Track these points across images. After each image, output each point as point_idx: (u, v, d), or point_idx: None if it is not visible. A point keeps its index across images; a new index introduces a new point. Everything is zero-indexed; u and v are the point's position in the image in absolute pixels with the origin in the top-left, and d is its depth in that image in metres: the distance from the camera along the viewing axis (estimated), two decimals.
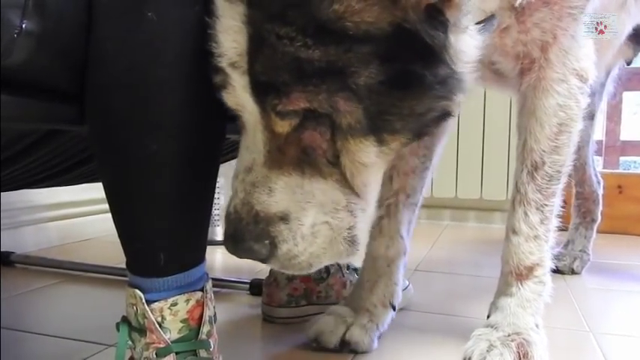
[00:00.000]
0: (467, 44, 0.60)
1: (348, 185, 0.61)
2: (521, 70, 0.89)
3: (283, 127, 0.58)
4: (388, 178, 1.01)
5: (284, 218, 0.60)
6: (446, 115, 0.62)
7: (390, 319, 1.01)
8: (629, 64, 1.48)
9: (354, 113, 0.56)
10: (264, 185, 0.60)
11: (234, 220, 0.60)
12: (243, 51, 0.56)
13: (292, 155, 0.60)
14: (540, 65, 0.87)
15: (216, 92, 0.60)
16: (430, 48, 0.56)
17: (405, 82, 0.56)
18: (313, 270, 0.65)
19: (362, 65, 0.54)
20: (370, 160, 0.60)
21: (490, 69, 0.93)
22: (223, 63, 0.58)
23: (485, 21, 0.67)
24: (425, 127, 0.62)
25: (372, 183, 0.63)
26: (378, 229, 1.01)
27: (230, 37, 0.56)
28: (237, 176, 0.62)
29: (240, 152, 0.62)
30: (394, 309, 1.02)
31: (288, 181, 0.60)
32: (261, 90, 0.56)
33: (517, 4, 0.78)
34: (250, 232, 0.60)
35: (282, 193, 0.60)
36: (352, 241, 0.64)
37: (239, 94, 0.58)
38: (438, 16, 0.56)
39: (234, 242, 0.61)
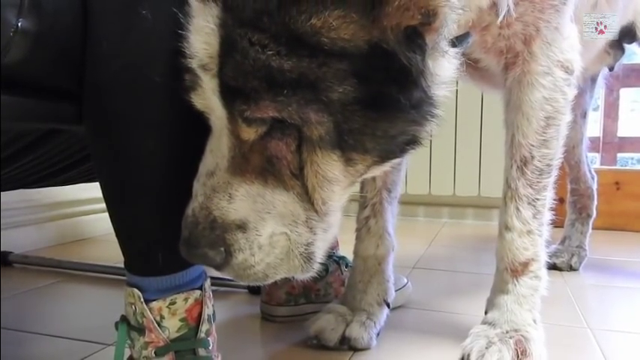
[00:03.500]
0: (443, 68, 0.60)
1: (308, 200, 0.60)
2: (506, 65, 0.89)
3: (250, 133, 0.57)
4: (371, 178, 1.00)
5: (242, 227, 0.59)
6: (415, 141, 0.61)
7: (386, 317, 1.02)
8: (611, 69, 1.48)
9: (324, 125, 0.55)
10: (225, 191, 0.58)
11: (191, 224, 0.59)
12: (214, 53, 0.55)
13: (256, 163, 0.58)
14: (524, 59, 0.86)
15: (185, 93, 0.59)
16: (406, 71, 0.55)
17: (380, 103, 0.56)
18: (268, 282, 0.64)
19: (336, 81, 0.53)
20: (334, 176, 0.59)
21: (475, 66, 0.93)
22: (194, 64, 0.57)
23: (461, 37, 0.66)
24: (393, 150, 0.61)
25: (332, 202, 0.61)
26: (366, 230, 1.02)
27: (202, 38, 0.55)
28: (199, 179, 0.60)
29: (205, 155, 0.61)
30: (388, 306, 1.02)
31: (249, 189, 0.59)
32: (230, 94, 0.55)
33: (501, 16, 0.77)
34: (205, 238, 0.58)
35: (242, 201, 0.58)
36: (308, 258, 0.63)
37: (208, 97, 0.57)
38: (416, 39, 0.55)
39: (189, 247, 0.59)
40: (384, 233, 1.02)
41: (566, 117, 0.90)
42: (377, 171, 0.64)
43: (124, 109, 0.60)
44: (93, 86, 0.61)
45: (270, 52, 0.52)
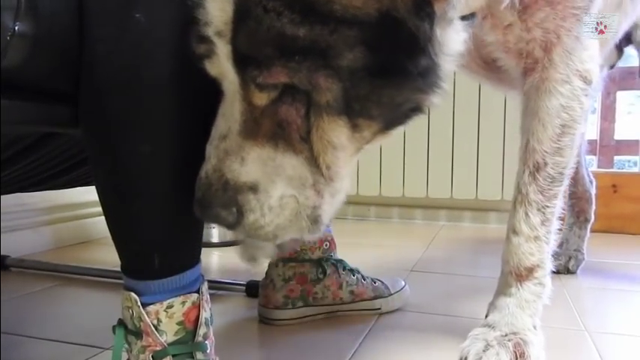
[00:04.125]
0: (451, 38, 0.61)
1: (315, 164, 0.62)
2: (525, 70, 0.89)
3: (261, 99, 0.58)
4: None
5: (253, 188, 0.60)
6: (418, 109, 0.63)
7: None
8: (612, 67, 1.49)
9: (333, 91, 0.56)
10: (237, 154, 0.60)
11: (204, 185, 0.60)
12: (229, 20, 0.56)
13: (267, 128, 0.60)
14: (544, 66, 0.87)
15: (199, 64, 0.60)
16: (415, 38, 0.56)
17: (387, 71, 0.57)
18: (277, 241, 0.65)
19: (346, 48, 0.55)
20: (339, 142, 0.60)
21: (494, 66, 0.93)
22: (210, 32, 0.57)
23: (468, 17, 0.67)
24: (398, 118, 0.63)
25: (337, 168, 0.63)
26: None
27: (217, 5, 0.56)
28: (212, 142, 0.62)
29: (217, 120, 0.62)
30: None
31: (260, 153, 0.60)
32: (243, 61, 0.56)
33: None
34: (218, 199, 0.60)
35: (253, 164, 0.60)
36: (315, 220, 0.64)
37: (222, 63, 0.58)
38: (425, 8, 0.56)
39: (202, 207, 0.61)
40: None
41: (582, 126, 0.91)
42: (381, 139, 0.65)
43: (118, 112, 0.60)
44: (88, 89, 0.61)
45: (285, 20, 0.53)
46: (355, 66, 0.55)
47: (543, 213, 0.90)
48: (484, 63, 0.95)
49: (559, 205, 0.92)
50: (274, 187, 0.61)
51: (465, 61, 0.94)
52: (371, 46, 0.55)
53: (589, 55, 0.88)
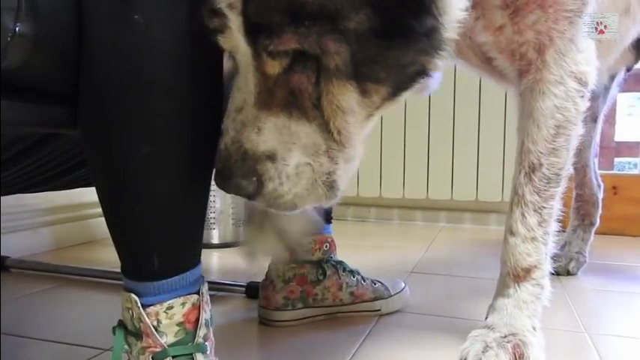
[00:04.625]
0: (451, 2, 0.62)
1: (327, 130, 0.63)
2: (519, 72, 0.90)
3: (274, 67, 0.59)
4: None
5: (271, 157, 0.62)
6: (424, 72, 0.64)
7: None
8: (629, 70, 1.48)
9: (341, 55, 0.58)
10: (254, 125, 0.62)
11: (224, 157, 0.62)
12: None
13: (281, 97, 0.61)
14: (537, 67, 0.87)
15: (212, 38, 0.61)
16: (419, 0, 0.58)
17: (393, 32, 0.58)
18: (297, 210, 0.67)
19: (353, 10, 0.56)
20: (348, 106, 0.61)
21: (491, 65, 0.94)
22: (222, 4, 0.58)
23: None
24: (404, 81, 0.64)
25: (348, 133, 0.64)
26: None
27: None
28: (229, 116, 0.63)
29: (233, 92, 0.64)
30: None
31: (276, 122, 0.62)
32: (254, 30, 0.58)
33: None
34: (238, 169, 0.62)
35: (270, 133, 0.62)
36: (331, 186, 0.66)
37: (235, 36, 0.60)
38: None
39: (223, 178, 0.63)
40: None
41: (577, 128, 0.90)
42: (390, 105, 0.66)
43: (117, 113, 0.60)
44: (86, 90, 0.61)
45: None
46: (362, 28, 0.57)
47: (540, 214, 0.90)
48: (483, 60, 0.95)
49: (556, 206, 0.92)
50: (291, 155, 0.63)
51: (466, 56, 0.95)
52: (376, 7, 0.56)
53: (584, 57, 0.88)
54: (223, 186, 0.63)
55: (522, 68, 0.89)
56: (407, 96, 0.67)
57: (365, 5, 0.56)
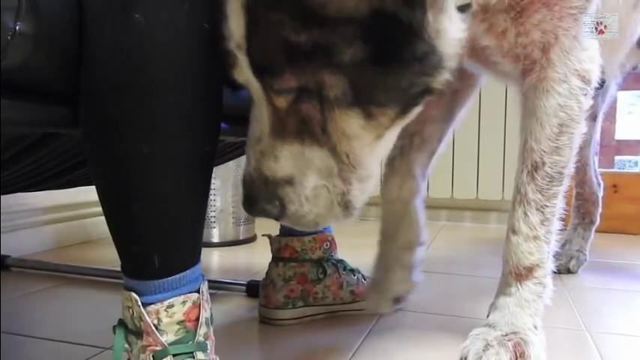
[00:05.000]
0: (445, 24, 0.63)
1: (337, 154, 0.67)
2: (523, 71, 0.89)
3: (282, 102, 0.63)
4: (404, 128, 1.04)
5: (289, 182, 0.67)
6: (428, 90, 0.66)
7: (420, 258, 1.06)
8: (634, 68, 1.48)
9: (339, 86, 0.61)
10: (271, 153, 0.66)
11: (248, 183, 0.68)
12: (244, 34, 0.61)
13: (292, 126, 0.65)
14: (542, 66, 0.86)
15: (226, 71, 0.64)
16: (409, 27, 0.60)
17: (386, 59, 0.61)
18: (321, 227, 0.74)
19: (345, 44, 0.59)
20: (352, 131, 0.64)
21: (494, 67, 0.94)
22: (231, 45, 0.62)
23: (465, 8, 0.69)
24: (409, 101, 0.66)
25: (356, 155, 0.67)
26: (389, 171, 1.04)
27: (235, 20, 0.61)
28: (250, 145, 0.68)
29: (251, 123, 0.69)
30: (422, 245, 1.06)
31: (290, 149, 0.66)
32: (259, 70, 0.62)
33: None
34: (262, 195, 0.67)
35: (286, 160, 0.66)
36: (346, 206, 0.70)
37: (245, 73, 0.64)
38: None
39: (249, 203, 0.69)
40: (407, 173, 1.03)
41: (581, 126, 0.90)
42: (403, 122, 0.69)
43: (118, 113, 0.60)
44: (87, 89, 0.61)
45: (288, 29, 0.58)
46: (356, 59, 0.59)
47: (542, 212, 0.90)
48: (486, 63, 0.95)
49: (559, 205, 0.92)
50: (307, 179, 0.67)
51: (468, 58, 0.95)
52: (367, 39, 0.59)
53: (588, 55, 0.88)
54: (250, 210, 0.69)
55: (526, 68, 0.88)
56: (418, 111, 0.69)
57: (356, 38, 0.59)
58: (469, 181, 2.34)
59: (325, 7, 0.57)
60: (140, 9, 0.56)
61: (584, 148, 1.55)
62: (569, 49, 0.86)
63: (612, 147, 2.44)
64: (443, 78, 0.65)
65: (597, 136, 1.63)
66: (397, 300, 1.02)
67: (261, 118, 0.66)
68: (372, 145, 0.68)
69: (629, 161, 2.75)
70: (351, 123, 0.64)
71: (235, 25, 0.61)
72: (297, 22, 0.58)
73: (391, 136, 0.70)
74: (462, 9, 0.68)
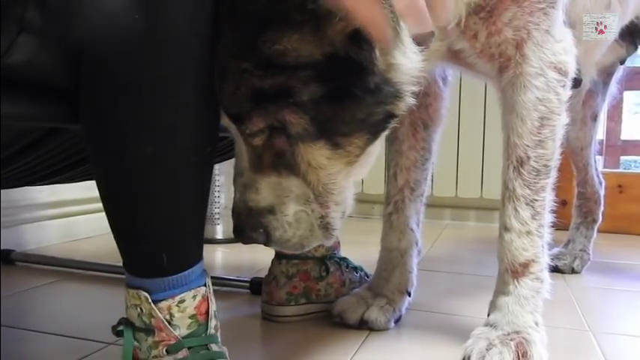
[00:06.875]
0: (398, 59, 0.66)
1: (310, 183, 0.71)
2: (500, 69, 0.90)
3: (257, 141, 0.69)
4: (392, 176, 1.11)
5: (271, 211, 0.72)
6: (391, 116, 0.70)
7: (407, 304, 1.11)
8: (622, 63, 1.48)
9: (300, 123, 0.65)
10: (252, 186, 0.72)
11: (235, 214, 0.73)
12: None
13: (269, 160, 0.70)
14: (517, 62, 0.87)
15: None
16: (359, 64, 0.64)
17: (341, 95, 0.65)
18: (306, 249, 0.77)
19: (303, 86, 0.64)
20: (317, 162, 0.69)
21: (473, 69, 0.94)
22: None
23: (422, 35, 0.67)
24: (374, 127, 0.70)
25: (326, 182, 0.71)
26: (389, 225, 1.10)
27: None
28: (235, 179, 0.74)
29: (235, 159, 0.74)
30: (409, 294, 1.11)
31: (268, 181, 0.71)
32: (232, 116, 0.68)
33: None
34: (248, 224, 0.72)
35: (266, 191, 0.71)
36: (325, 228, 0.74)
37: (223, 118, 0.69)
38: (360, 37, 0.62)
39: (238, 232, 0.74)
40: (405, 228, 1.09)
41: (562, 118, 0.91)
42: (374, 148, 0.73)
43: (119, 113, 0.60)
44: (89, 89, 0.60)
45: (254, 77, 0.63)
46: (315, 97, 0.64)
47: (532, 207, 0.90)
48: (463, 64, 0.95)
49: (549, 198, 0.92)
50: (286, 207, 0.72)
51: (446, 60, 0.96)
52: (323, 79, 0.64)
53: (562, 47, 0.88)
54: (240, 238, 0.74)
55: (502, 65, 0.89)
56: (385, 134, 0.73)
57: (313, 79, 0.63)
58: (473, 180, 2.34)
59: (285, 56, 0.62)
60: (140, 9, 0.56)
61: (585, 148, 1.56)
62: (542, 43, 0.86)
63: (618, 147, 2.43)
64: (404, 104, 0.69)
65: (598, 135, 1.63)
66: (365, 322, 1.04)
67: (241, 155, 0.72)
68: (345, 171, 0.71)
69: (635, 161, 2.74)
70: (316, 155, 0.68)
71: None
72: (261, 70, 0.63)
73: (367, 159, 0.73)
74: (424, 38, 0.67)
